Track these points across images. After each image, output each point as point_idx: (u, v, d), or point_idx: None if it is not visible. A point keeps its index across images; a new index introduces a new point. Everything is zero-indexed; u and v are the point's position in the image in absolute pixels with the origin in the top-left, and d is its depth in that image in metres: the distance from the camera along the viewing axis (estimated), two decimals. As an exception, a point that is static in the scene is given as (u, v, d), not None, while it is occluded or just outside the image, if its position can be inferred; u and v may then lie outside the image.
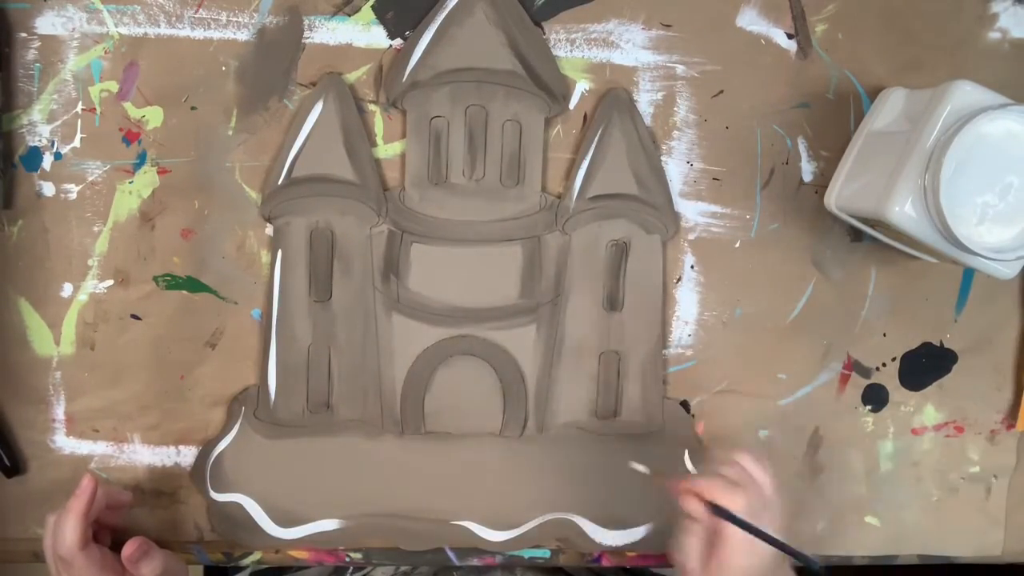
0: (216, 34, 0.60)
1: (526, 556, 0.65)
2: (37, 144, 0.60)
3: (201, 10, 0.59)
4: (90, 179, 0.60)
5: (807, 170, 0.63)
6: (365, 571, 0.73)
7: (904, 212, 0.52)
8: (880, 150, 0.58)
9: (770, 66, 0.62)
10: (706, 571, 0.53)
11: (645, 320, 0.63)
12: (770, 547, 0.51)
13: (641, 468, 0.62)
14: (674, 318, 0.64)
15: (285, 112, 0.60)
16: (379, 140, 0.61)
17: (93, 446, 0.62)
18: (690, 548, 0.53)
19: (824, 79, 0.62)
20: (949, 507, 0.66)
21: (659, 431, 0.64)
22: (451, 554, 0.65)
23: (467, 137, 0.61)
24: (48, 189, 0.60)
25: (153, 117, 0.60)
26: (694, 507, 0.53)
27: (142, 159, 0.60)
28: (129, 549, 0.54)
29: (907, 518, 0.66)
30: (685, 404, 0.64)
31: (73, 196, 0.60)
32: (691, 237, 0.63)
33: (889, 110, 0.59)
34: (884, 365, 0.65)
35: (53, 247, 0.60)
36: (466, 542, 0.64)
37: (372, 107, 0.61)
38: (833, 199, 0.60)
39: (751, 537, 0.51)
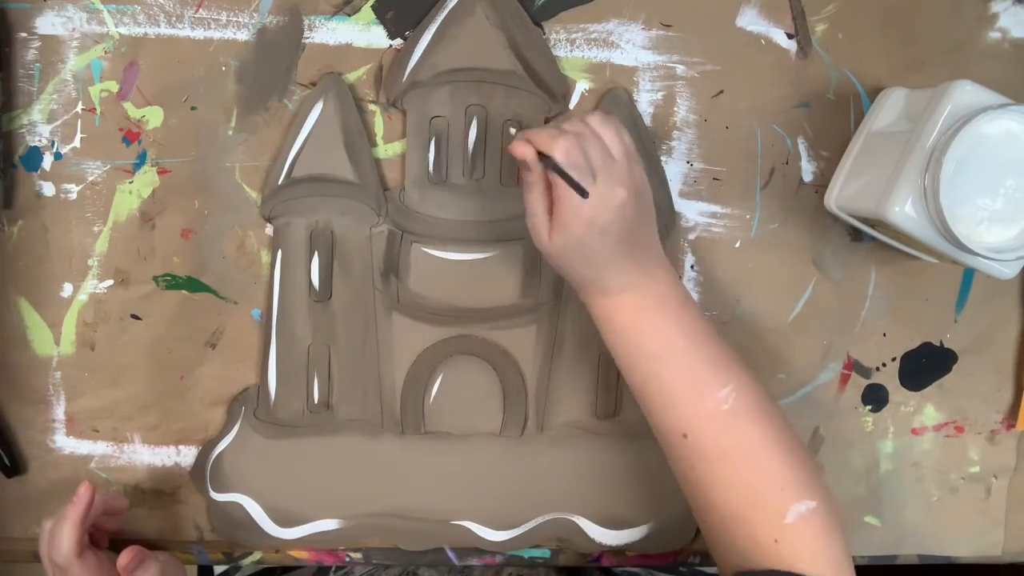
0: (216, 34, 0.60)
1: (526, 556, 0.65)
2: (37, 144, 0.60)
3: (201, 10, 0.59)
4: (90, 179, 0.60)
5: (807, 170, 0.63)
6: (345, 570, 0.73)
7: (904, 212, 0.52)
8: (880, 150, 0.58)
9: (770, 66, 0.62)
10: (552, 230, 0.50)
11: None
12: (608, 202, 0.48)
13: (512, 131, 0.59)
14: (674, 318, 0.64)
15: (285, 112, 0.60)
16: (379, 140, 0.61)
17: (93, 446, 0.62)
18: (534, 206, 0.50)
19: (824, 79, 0.62)
20: (949, 507, 0.66)
21: (659, 431, 0.64)
22: (451, 554, 0.65)
23: (467, 137, 0.61)
24: (48, 189, 0.60)
25: (153, 117, 0.60)
26: (520, 153, 0.49)
27: (142, 159, 0.60)
28: (124, 559, 0.54)
29: (907, 518, 0.66)
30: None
31: (73, 196, 0.60)
32: (691, 237, 0.63)
33: (889, 110, 0.59)
34: (884, 365, 0.65)
35: (53, 247, 0.60)
36: (466, 542, 0.64)
37: (372, 107, 0.61)
38: (833, 199, 0.60)
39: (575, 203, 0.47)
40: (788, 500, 0.48)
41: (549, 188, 0.50)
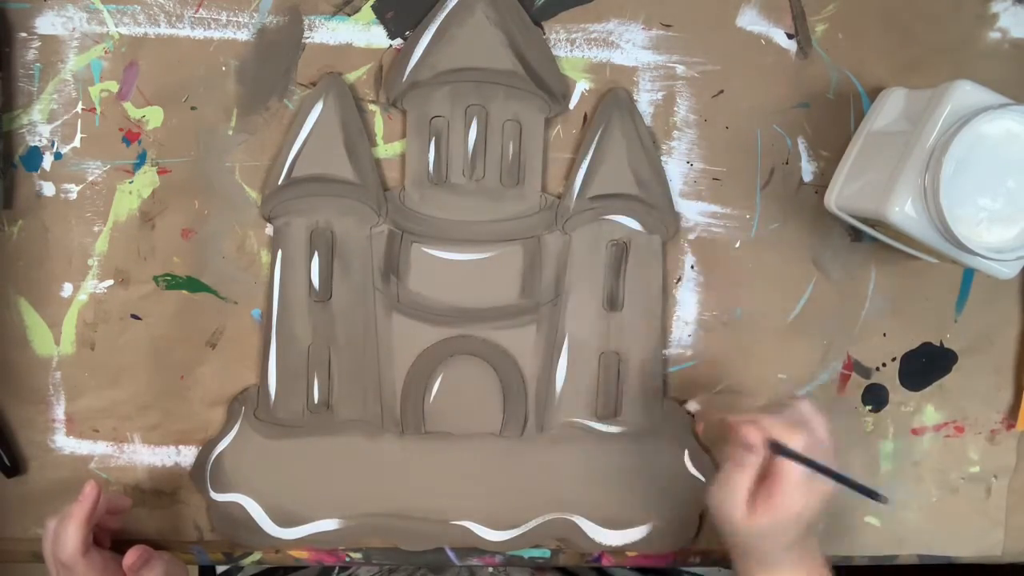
0: (216, 34, 0.60)
1: (526, 556, 0.65)
2: (37, 144, 0.60)
3: (201, 10, 0.59)
4: (90, 179, 0.60)
5: (807, 170, 0.63)
6: (350, 571, 0.73)
7: (904, 212, 0.52)
8: (880, 150, 0.58)
9: (770, 66, 0.62)
10: (753, 513, 0.51)
11: (645, 320, 0.63)
12: (820, 497, 0.50)
13: (694, 406, 0.62)
14: (674, 318, 0.64)
15: (285, 112, 0.60)
16: (379, 140, 0.61)
17: (93, 446, 0.62)
18: (740, 484, 0.51)
19: (824, 79, 0.62)
20: (949, 507, 0.66)
21: (659, 431, 0.64)
22: (451, 554, 0.65)
23: (467, 137, 0.61)
24: (48, 189, 0.60)
25: (153, 117, 0.60)
26: (754, 439, 0.51)
27: (142, 159, 0.60)
28: (131, 558, 0.54)
29: (907, 518, 0.66)
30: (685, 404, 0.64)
31: (73, 196, 0.60)
32: (691, 237, 0.63)
33: (889, 110, 0.59)
34: (884, 365, 0.65)
35: (53, 247, 0.60)
36: (466, 542, 0.64)
37: (372, 107, 0.61)
38: (833, 199, 0.60)
39: (807, 482, 0.49)
40: None
41: (760, 474, 0.51)
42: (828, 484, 0.51)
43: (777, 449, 0.50)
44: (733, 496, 0.52)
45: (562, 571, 0.73)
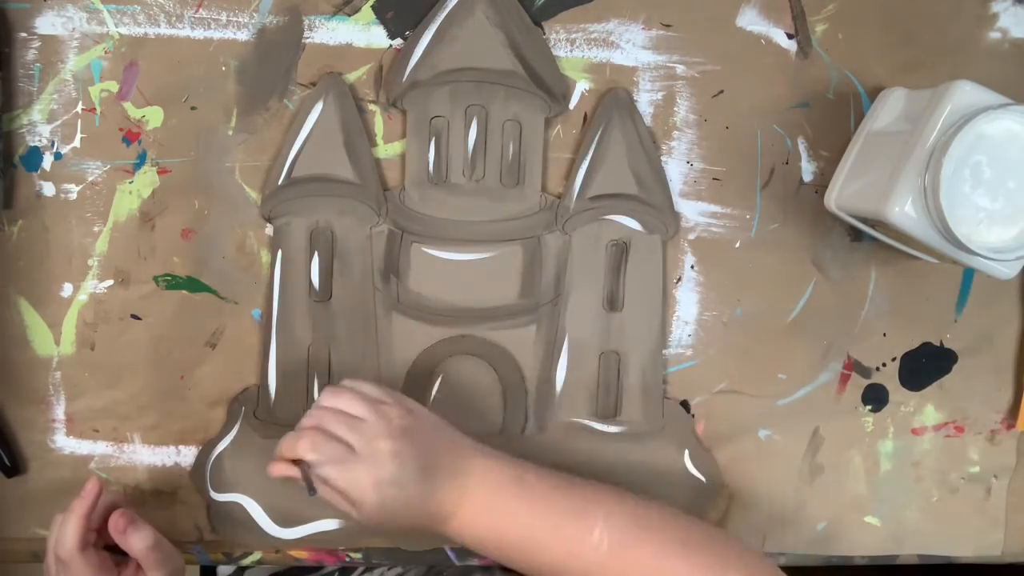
0: (216, 34, 0.60)
1: (526, 556, 0.65)
2: (37, 144, 0.60)
3: (201, 10, 0.59)
4: (90, 179, 0.60)
5: (807, 170, 0.63)
6: (359, 571, 0.73)
7: (904, 212, 0.52)
8: (880, 150, 0.58)
9: (770, 66, 0.62)
10: (357, 509, 0.51)
11: (645, 320, 0.63)
12: (378, 461, 0.50)
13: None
14: (674, 318, 0.64)
15: (285, 112, 0.60)
16: (379, 140, 0.61)
17: (93, 446, 0.62)
18: (331, 501, 0.52)
19: (824, 79, 0.62)
20: (949, 507, 0.66)
21: (659, 431, 0.64)
22: (451, 554, 0.65)
23: (467, 137, 0.61)
24: (48, 189, 0.60)
25: (153, 117, 0.60)
26: (279, 470, 0.52)
27: (142, 159, 0.60)
28: (114, 519, 0.54)
29: (907, 518, 0.66)
30: (685, 404, 0.64)
31: (73, 196, 0.60)
32: (691, 237, 0.63)
33: (889, 110, 0.59)
34: (884, 365, 0.65)
35: (53, 247, 0.60)
36: (466, 542, 0.64)
37: (372, 107, 0.61)
38: (833, 199, 0.60)
39: (349, 466, 0.50)
40: None
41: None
42: (379, 443, 0.50)
43: (305, 468, 0.51)
44: (343, 510, 0.52)
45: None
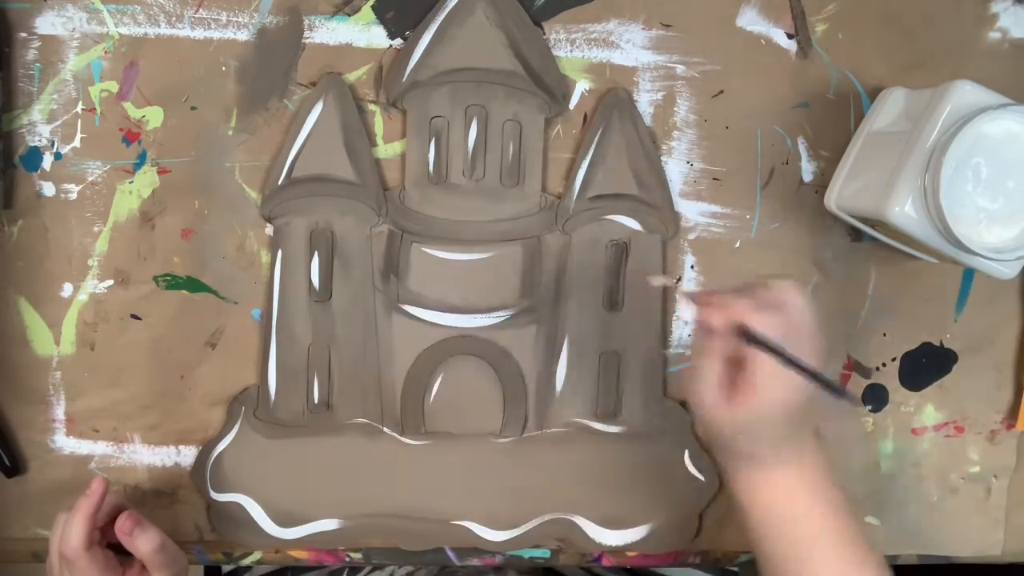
0: (216, 34, 0.60)
1: (526, 556, 0.65)
2: (37, 144, 0.60)
3: (201, 10, 0.59)
4: (90, 179, 0.60)
5: (807, 170, 0.63)
6: (363, 571, 0.73)
7: (904, 212, 0.52)
8: (880, 150, 0.58)
9: (770, 66, 0.62)
10: (731, 405, 0.47)
11: (645, 320, 0.63)
12: (805, 391, 0.45)
13: (661, 280, 0.59)
14: (674, 318, 0.64)
15: (285, 112, 0.60)
16: (379, 140, 0.61)
17: (93, 446, 0.62)
18: (708, 375, 0.48)
19: (824, 79, 0.62)
20: (949, 507, 0.66)
21: (659, 431, 0.64)
22: (451, 554, 0.65)
23: (467, 137, 0.61)
24: (48, 189, 0.60)
25: (153, 117, 0.60)
26: (716, 322, 0.47)
27: (142, 159, 0.60)
28: (121, 521, 0.54)
29: (907, 518, 0.66)
30: (685, 404, 0.64)
31: (73, 196, 0.60)
32: (691, 237, 0.63)
33: (889, 110, 0.59)
34: (884, 365, 0.65)
35: (53, 247, 0.60)
36: (466, 542, 0.64)
37: (372, 107, 0.61)
38: (833, 199, 0.60)
39: (785, 372, 0.45)
40: None
41: (729, 361, 0.48)
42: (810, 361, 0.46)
43: (746, 335, 0.45)
44: (704, 388, 0.48)
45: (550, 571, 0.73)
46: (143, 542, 0.54)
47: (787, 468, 0.49)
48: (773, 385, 0.46)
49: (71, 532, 0.53)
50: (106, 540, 0.55)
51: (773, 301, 0.47)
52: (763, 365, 0.46)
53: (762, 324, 0.46)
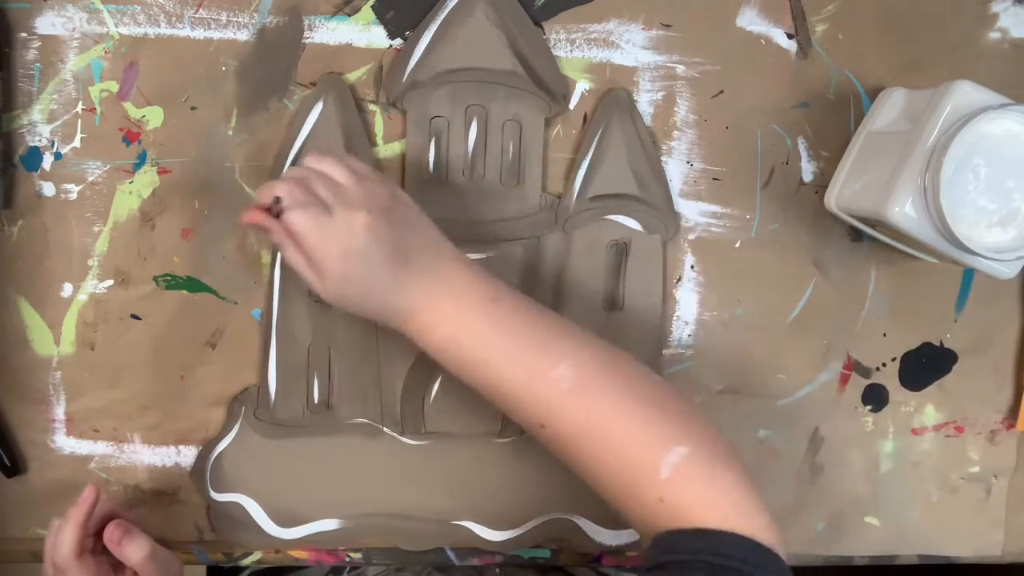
0: (216, 34, 0.60)
1: (526, 556, 0.65)
2: (37, 144, 0.60)
3: (201, 10, 0.59)
4: (90, 179, 0.60)
5: (807, 170, 0.63)
6: (360, 570, 0.73)
7: (904, 212, 0.52)
8: (880, 150, 0.58)
9: (770, 66, 0.62)
10: (320, 279, 0.49)
11: (645, 320, 0.63)
12: (347, 228, 0.48)
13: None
14: (674, 318, 0.64)
15: (285, 112, 0.60)
16: (379, 140, 0.61)
17: (93, 446, 0.62)
18: (293, 263, 0.50)
19: (824, 79, 0.62)
20: (949, 507, 0.66)
21: (659, 431, 0.64)
22: (451, 554, 0.65)
23: (467, 137, 0.61)
24: (48, 189, 0.60)
25: (153, 117, 0.60)
26: (250, 217, 0.49)
27: (142, 159, 0.60)
28: (110, 530, 0.54)
29: (907, 518, 0.66)
30: (685, 404, 0.64)
31: (73, 196, 0.60)
32: (691, 237, 0.63)
33: (889, 110, 0.59)
34: (884, 365, 0.65)
35: (53, 247, 0.60)
36: (466, 542, 0.64)
37: (372, 107, 0.61)
38: (833, 199, 0.60)
39: (315, 226, 0.47)
40: (657, 456, 0.46)
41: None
42: (355, 213, 0.48)
43: (274, 210, 0.48)
44: (304, 276, 0.50)
45: (560, 570, 0.73)
46: (133, 551, 0.53)
47: (432, 301, 0.50)
48: (322, 249, 0.48)
49: (62, 541, 0.53)
50: (101, 546, 0.55)
51: (298, 173, 0.50)
52: (305, 240, 0.48)
53: (288, 191, 0.48)
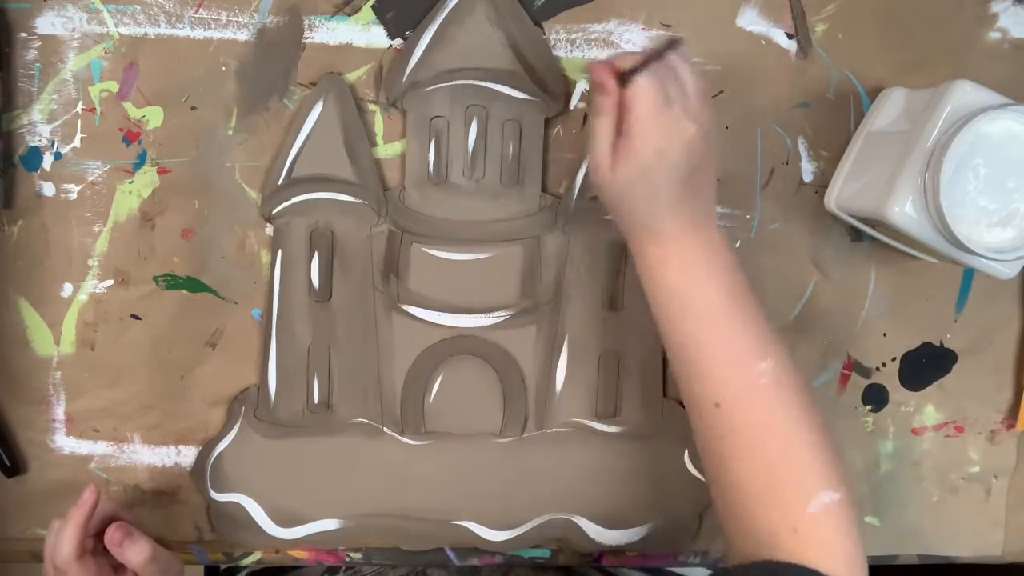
0: (216, 34, 0.60)
1: (526, 556, 0.65)
2: (37, 144, 0.60)
3: (201, 10, 0.59)
4: (90, 179, 0.60)
5: (807, 170, 0.63)
6: (354, 570, 0.72)
7: (904, 212, 0.52)
8: (880, 150, 0.58)
9: (770, 66, 0.62)
10: (616, 162, 0.48)
11: (645, 320, 0.63)
12: (680, 134, 0.47)
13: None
14: (674, 318, 0.63)
15: (285, 112, 0.60)
16: (379, 140, 0.61)
17: (93, 446, 0.62)
18: (599, 134, 0.49)
19: (824, 79, 0.62)
20: (949, 507, 0.66)
21: (659, 431, 0.64)
22: (451, 554, 0.65)
23: (467, 137, 0.61)
24: (48, 189, 0.60)
25: (153, 117, 0.60)
26: (600, 75, 0.48)
27: (142, 159, 0.60)
28: (110, 532, 0.53)
29: (907, 518, 0.66)
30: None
31: (73, 196, 0.60)
32: (691, 237, 0.63)
33: (889, 110, 0.59)
34: (884, 365, 0.65)
35: (53, 247, 0.60)
36: (466, 542, 0.64)
37: (372, 107, 0.61)
38: (833, 199, 0.60)
39: (659, 113, 0.46)
40: (814, 487, 0.47)
41: (619, 119, 0.49)
42: (689, 122, 0.48)
43: (626, 78, 0.47)
44: (596, 149, 0.49)
45: (566, 571, 0.73)
46: (133, 553, 0.53)
47: (687, 240, 0.50)
48: (648, 128, 0.47)
49: (63, 542, 0.53)
50: (100, 548, 0.55)
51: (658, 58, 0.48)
52: (637, 110, 0.47)
53: (650, 74, 0.47)
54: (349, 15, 0.60)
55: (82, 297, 0.61)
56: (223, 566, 0.74)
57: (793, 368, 0.50)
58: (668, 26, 0.61)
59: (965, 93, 0.51)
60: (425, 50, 0.60)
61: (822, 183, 0.62)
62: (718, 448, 0.50)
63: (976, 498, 0.66)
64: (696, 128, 0.48)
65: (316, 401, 0.62)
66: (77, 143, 0.60)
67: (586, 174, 0.61)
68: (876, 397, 0.65)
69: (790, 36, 0.62)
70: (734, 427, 0.49)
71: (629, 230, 0.52)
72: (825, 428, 0.49)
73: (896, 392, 0.65)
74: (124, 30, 0.59)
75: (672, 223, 0.50)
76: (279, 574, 0.75)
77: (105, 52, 0.59)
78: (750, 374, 0.49)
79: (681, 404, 0.63)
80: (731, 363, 0.49)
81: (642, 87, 0.48)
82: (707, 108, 0.50)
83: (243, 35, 0.60)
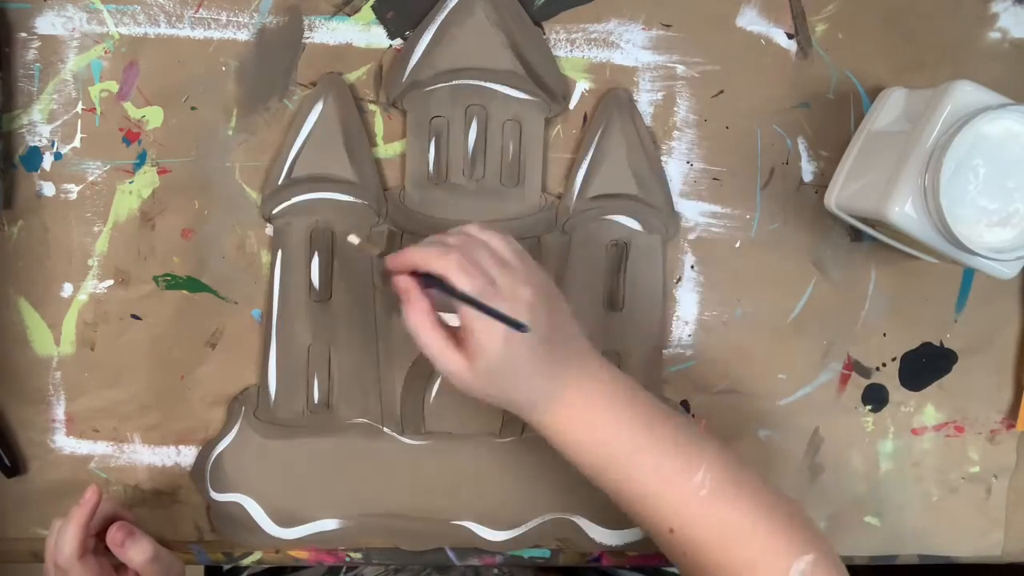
0: (216, 34, 0.60)
1: (526, 556, 0.65)
2: (37, 144, 0.60)
3: (201, 10, 0.59)
4: (90, 179, 0.60)
5: (807, 170, 0.63)
6: (357, 570, 0.73)
7: (904, 212, 0.52)
8: (880, 150, 0.58)
9: (770, 66, 0.62)
10: (469, 359, 0.46)
11: (645, 320, 0.63)
12: (525, 294, 0.43)
13: (353, 239, 0.52)
14: (674, 318, 0.64)
15: (285, 112, 0.60)
16: (379, 140, 0.61)
17: (93, 446, 0.62)
18: (434, 342, 0.46)
19: (824, 79, 0.62)
20: (949, 507, 0.66)
21: (659, 431, 0.64)
22: (451, 554, 0.65)
23: (467, 137, 0.61)
24: (48, 189, 0.60)
25: (153, 117, 0.60)
26: (406, 284, 0.45)
27: (142, 159, 0.60)
28: (112, 532, 0.54)
29: (907, 518, 0.66)
30: (685, 404, 0.64)
31: (73, 196, 0.60)
32: (691, 237, 0.63)
33: (889, 110, 0.59)
34: (884, 365, 0.65)
35: (53, 247, 0.60)
36: (466, 542, 0.64)
37: (372, 107, 0.61)
38: (833, 199, 0.60)
39: (491, 299, 0.43)
40: (787, 562, 0.47)
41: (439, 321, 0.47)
42: (522, 288, 0.45)
43: (442, 288, 0.44)
44: (444, 358, 0.47)
45: (564, 571, 0.73)
46: (135, 553, 0.53)
47: (571, 404, 0.49)
48: (492, 327, 0.45)
49: (64, 541, 0.53)
50: (103, 546, 0.55)
51: (461, 241, 0.47)
52: (467, 318, 0.45)
53: (462, 268, 0.45)
54: (349, 15, 0.60)
55: (82, 297, 0.61)
56: (225, 567, 0.74)
57: (725, 460, 0.50)
58: (668, 26, 0.61)
59: (965, 93, 0.51)
60: (425, 50, 0.60)
61: (822, 183, 0.62)
62: (686, 562, 0.50)
63: (976, 498, 0.66)
64: (532, 290, 0.47)
65: (316, 401, 0.62)
66: (77, 143, 0.60)
67: (584, 176, 0.61)
68: (876, 397, 0.65)
69: (790, 36, 0.62)
70: (694, 543, 0.49)
71: (518, 411, 0.51)
72: (775, 497, 0.50)
73: (896, 392, 0.65)
74: (124, 30, 0.59)
75: (552, 386, 0.49)
76: (279, 574, 0.75)
77: (105, 52, 0.59)
78: (689, 491, 0.49)
79: (681, 404, 0.63)
80: (667, 489, 0.49)
81: (458, 281, 0.45)
82: (527, 262, 0.49)
83: (243, 35, 0.60)
